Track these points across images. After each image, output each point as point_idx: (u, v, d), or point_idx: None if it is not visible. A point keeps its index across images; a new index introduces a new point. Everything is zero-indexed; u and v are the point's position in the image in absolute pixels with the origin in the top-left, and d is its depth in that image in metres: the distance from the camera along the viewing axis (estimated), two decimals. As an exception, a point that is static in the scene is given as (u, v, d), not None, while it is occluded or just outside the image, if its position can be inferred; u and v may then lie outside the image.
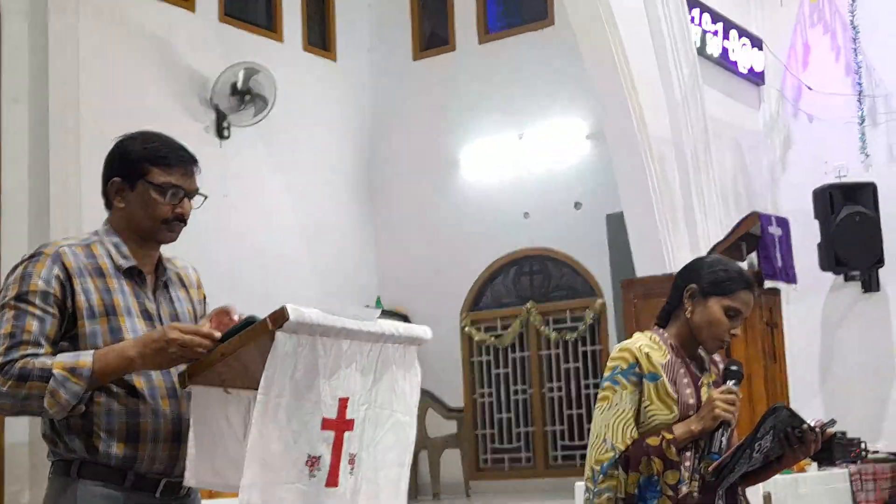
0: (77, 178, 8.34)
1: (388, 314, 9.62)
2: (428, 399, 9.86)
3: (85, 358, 2.43)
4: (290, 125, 10.42)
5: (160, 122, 8.91)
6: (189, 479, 2.49)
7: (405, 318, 10.46)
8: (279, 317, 2.31)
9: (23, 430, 7.71)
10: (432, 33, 11.62)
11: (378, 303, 10.93)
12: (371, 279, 11.27)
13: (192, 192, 2.66)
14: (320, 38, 11.23)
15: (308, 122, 10.75)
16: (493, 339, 10.91)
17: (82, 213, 8.22)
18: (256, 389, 2.45)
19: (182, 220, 2.65)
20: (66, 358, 2.43)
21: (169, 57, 9.54)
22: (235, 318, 2.58)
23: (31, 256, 2.55)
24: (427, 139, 11.29)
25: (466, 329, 10.99)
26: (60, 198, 8.28)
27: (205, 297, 2.86)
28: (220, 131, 9.79)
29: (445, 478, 10.05)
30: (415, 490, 9.75)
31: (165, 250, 2.77)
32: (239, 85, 9.67)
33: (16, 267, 2.55)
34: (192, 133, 9.21)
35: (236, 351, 2.40)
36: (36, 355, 2.42)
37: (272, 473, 2.32)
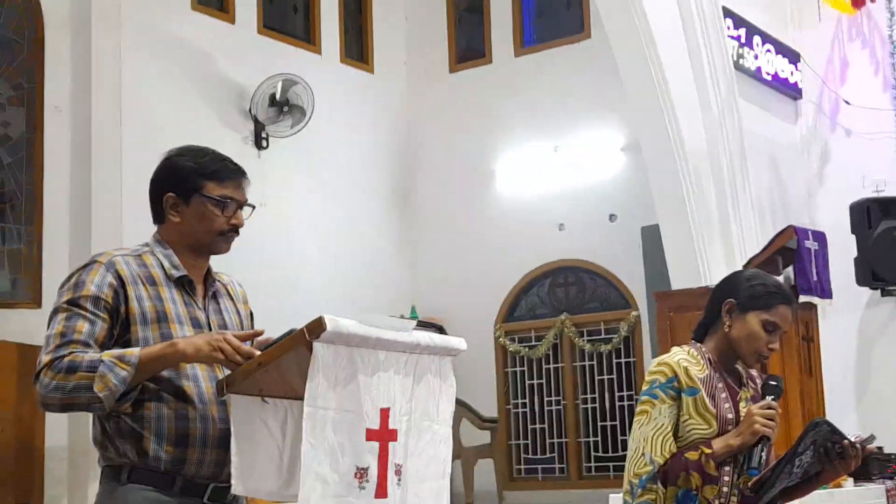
0: (119, 187, 8.40)
1: (424, 324, 9.65)
2: (462, 409, 9.88)
3: (132, 349, 2.51)
4: (327, 136, 10.48)
5: (200, 132, 9.05)
6: (236, 488, 2.50)
7: (441, 329, 10.50)
8: (316, 327, 2.32)
9: (62, 433, 7.81)
10: (468, 46, 11.66)
11: (413, 312, 10.97)
12: (406, 289, 11.30)
13: (243, 204, 2.74)
14: (357, 50, 11.30)
15: (345, 133, 10.81)
16: (527, 350, 10.93)
17: (123, 220, 8.30)
18: (293, 398, 2.54)
19: (237, 231, 2.72)
20: (114, 350, 2.51)
21: (209, 68, 9.63)
22: None
23: (85, 266, 2.62)
24: (463, 151, 11.32)
25: (500, 340, 11.01)
26: (102, 207, 8.36)
27: (252, 314, 2.91)
28: (259, 142, 9.87)
29: (479, 487, 10.06)
30: (448, 499, 9.76)
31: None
32: (277, 96, 9.75)
33: (70, 276, 2.62)
34: (230, 143, 9.29)
35: (274, 360, 2.42)
36: (84, 353, 2.48)
37: (326, 487, 2.32)
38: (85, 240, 8.19)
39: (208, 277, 2.77)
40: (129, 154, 8.43)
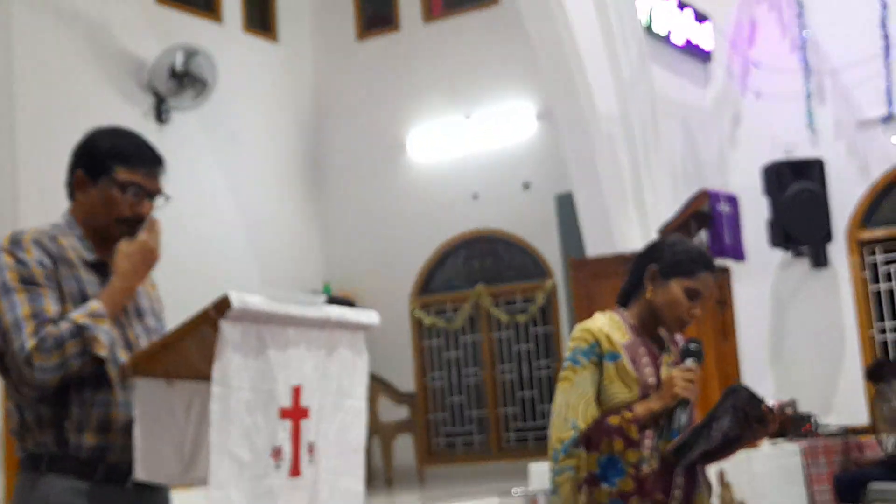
0: (12, 164, 8.20)
1: (334, 300, 9.43)
2: (379, 384, 9.76)
3: (92, 303, 2.51)
4: (231, 108, 10.24)
5: (97, 107, 8.71)
6: (139, 474, 2.46)
7: (351, 303, 10.35)
8: (222, 305, 2.28)
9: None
10: (375, 13, 11.48)
11: (326, 289, 10.80)
12: (318, 265, 11.14)
13: (154, 193, 2.69)
14: (261, 19, 11.05)
15: (250, 104, 10.58)
16: (443, 322, 10.84)
17: (18, 197, 8.08)
18: (199, 379, 2.45)
19: (140, 220, 2.66)
20: (76, 311, 2.48)
21: (104, 40, 9.31)
22: None
23: (13, 242, 2.55)
24: (373, 121, 11.18)
25: (416, 313, 10.89)
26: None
27: (160, 302, 2.89)
28: (159, 115, 9.59)
29: (398, 463, 9.98)
30: (367, 476, 9.62)
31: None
32: (177, 67, 9.44)
33: None
34: (129, 118, 8.97)
35: (179, 341, 2.38)
36: (55, 327, 2.46)
37: (243, 468, 2.31)
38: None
39: None
40: (23, 130, 8.21)
